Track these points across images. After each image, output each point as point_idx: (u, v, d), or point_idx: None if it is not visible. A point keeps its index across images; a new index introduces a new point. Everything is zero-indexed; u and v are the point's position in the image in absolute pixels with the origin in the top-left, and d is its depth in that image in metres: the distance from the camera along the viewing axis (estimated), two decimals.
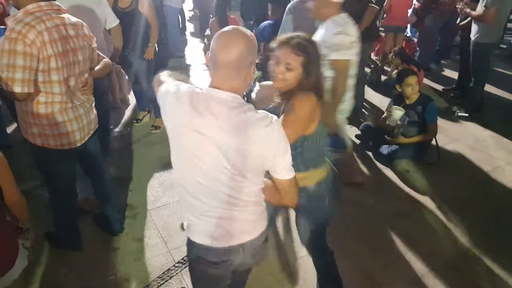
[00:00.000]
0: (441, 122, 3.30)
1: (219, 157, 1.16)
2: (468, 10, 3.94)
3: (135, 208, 2.83)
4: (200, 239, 1.31)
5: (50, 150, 1.96)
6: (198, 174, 1.21)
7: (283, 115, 1.49)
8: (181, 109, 1.18)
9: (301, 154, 1.57)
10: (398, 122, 3.26)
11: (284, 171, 1.24)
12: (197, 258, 1.34)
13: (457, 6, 4.36)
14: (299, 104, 1.45)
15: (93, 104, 2.14)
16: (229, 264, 1.33)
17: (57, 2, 1.86)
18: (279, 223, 2.70)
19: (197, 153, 1.18)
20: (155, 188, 3.06)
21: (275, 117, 1.22)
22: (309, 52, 1.47)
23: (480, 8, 3.83)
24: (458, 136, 3.87)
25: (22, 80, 1.68)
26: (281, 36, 1.54)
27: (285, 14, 3.16)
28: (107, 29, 3.07)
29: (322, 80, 1.56)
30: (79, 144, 2.04)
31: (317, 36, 2.28)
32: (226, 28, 1.23)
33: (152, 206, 2.85)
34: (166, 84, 1.30)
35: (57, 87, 1.83)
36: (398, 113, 3.24)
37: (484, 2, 3.77)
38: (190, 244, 1.36)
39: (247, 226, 1.31)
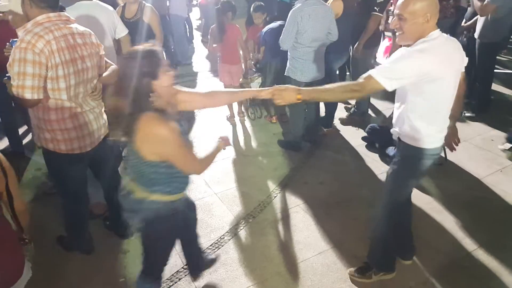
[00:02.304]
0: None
1: None
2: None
3: None
4: None
5: (61, 154, 2.03)
6: None
7: None
8: None
9: None
10: None
11: None
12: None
13: None
14: None
15: (103, 109, 2.21)
16: None
17: (66, 13, 1.96)
18: (284, 225, 2.73)
19: None
20: None
21: None
22: None
23: (478, 3, 3.86)
24: (466, 136, 3.85)
25: (32, 87, 1.77)
26: None
27: (290, 17, 3.20)
28: (117, 38, 3.17)
29: None
30: (89, 149, 2.11)
31: None
32: None
33: None
34: None
35: (64, 94, 1.91)
36: None
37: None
38: None
39: None
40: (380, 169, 3.37)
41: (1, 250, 1.37)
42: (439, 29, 1.75)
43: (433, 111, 1.83)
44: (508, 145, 3.50)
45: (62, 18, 1.90)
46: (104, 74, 2.15)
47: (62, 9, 2.03)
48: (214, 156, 1.76)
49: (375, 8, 3.81)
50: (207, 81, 5.65)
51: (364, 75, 1.73)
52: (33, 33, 1.77)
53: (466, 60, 1.89)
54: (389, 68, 1.72)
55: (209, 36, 4.15)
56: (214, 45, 4.02)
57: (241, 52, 4.14)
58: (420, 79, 1.70)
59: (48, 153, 2.06)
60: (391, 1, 4.68)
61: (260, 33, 4.04)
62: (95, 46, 2.06)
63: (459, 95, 1.95)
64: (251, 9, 4.26)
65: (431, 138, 1.88)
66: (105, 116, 2.23)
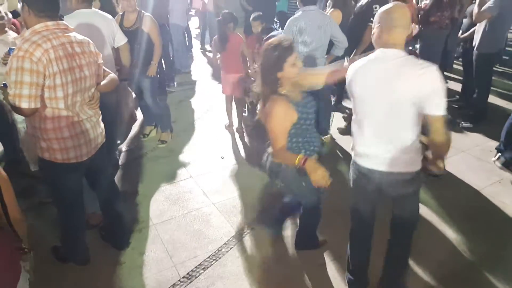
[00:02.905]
0: None
1: None
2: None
3: (141, 222, 2.84)
4: None
5: (57, 164, 2.00)
6: None
7: None
8: None
9: None
10: None
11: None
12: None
13: None
14: None
15: (100, 119, 2.19)
16: None
17: (64, 22, 1.94)
18: (283, 236, 2.70)
19: None
20: (161, 202, 3.07)
21: None
22: None
23: (476, 9, 3.90)
24: (464, 147, 3.85)
25: (29, 96, 1.75)
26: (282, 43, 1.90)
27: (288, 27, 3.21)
28: (116, 47, 3.16)
29: None
30: (85, 158, 2.08)
31: None
32: None
33: (158, 220, 2.87)
34: None
35: (62, 103, 1.88)
36: None
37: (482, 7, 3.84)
38: None
39: None
40: None
41: None
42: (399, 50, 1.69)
43: (356, 124, 1.86)
44: (498, 155, 3.51)
45: (61, 27, 1.89)
46: (102, 83, 2.13)
47: (60, 17, 2.01)
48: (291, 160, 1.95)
49: (371, 19, 3.83)
50: (206, 90, 5.65)
51: None
52: (31, 41, 1.76)
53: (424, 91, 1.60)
54: None
55: (211, 48, 4.16)
56: (218, 56, 4.03)
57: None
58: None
59: (43, 162, 2.03)
60: None
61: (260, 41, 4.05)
62: (93, 54, 2.04)
63: (434, 141, 1.70)
64: (251, 18, 4.28)
65: (356, 151, 1.90)
66: (102, 124, 2.21)
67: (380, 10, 1.74)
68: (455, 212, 2.91)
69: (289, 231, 2.73)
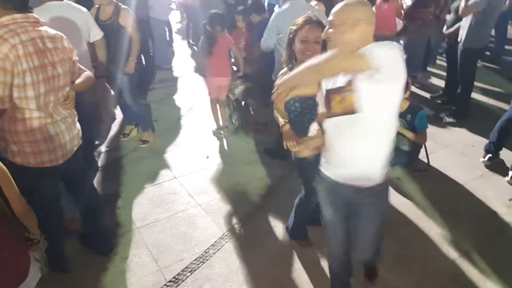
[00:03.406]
0: (430, 129, 3.29)
1: None
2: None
3: (124, 226, 2.73)
4: None
5: (30, 168, 1.86)
6: None
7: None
8: None
9: None
10: None
11: None
12: None
13: None
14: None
15: (76, 119, 2.05)
16: None
17: (34, 14, 1.79)
18: (272, 237, 2.64)
19: None
20: (144, 205, 2.96)
21: None
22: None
23: (463, 3, 3.91)
24: (448, 142, 3.88)
25: None
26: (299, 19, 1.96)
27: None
28: (91, 42, 3.01)
29: None
30: (61, 161, 1.95)
31: None
32: None
33: (141, 223, 2.76)
34: None
35: (33, 103, 1.75)
36: None
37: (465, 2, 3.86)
38: None
39: None
40: None
41: (1, 250, 1.34)
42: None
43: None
44: (487, 156, 3.51)
45: (30, 20, 1.74)
46: (77, 81, 1.99)
47: (30, 10, 1.86)
48: None
49: None
50: (189, 86, 5.52)
51: None
52: None
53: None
54: None
55: (194, 43, 4.00)
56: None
57: (232, 60, 4.02)
58: None
59: (15, 167, 1.87)
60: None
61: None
62: (67, 51, 1.90)
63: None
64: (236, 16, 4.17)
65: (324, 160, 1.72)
66: (78, 125, 2.08)
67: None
68: (440, 207, 2.92)
69: (278, 230, 2.68)
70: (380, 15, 4.95)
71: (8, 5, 1.69)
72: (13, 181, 1.42)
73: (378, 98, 1.42)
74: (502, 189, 3.16)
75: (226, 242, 2.58)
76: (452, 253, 2.50)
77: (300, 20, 1.99)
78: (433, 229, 2.71)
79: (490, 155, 3.48)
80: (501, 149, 3.48)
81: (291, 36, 2.02)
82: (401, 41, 5.65)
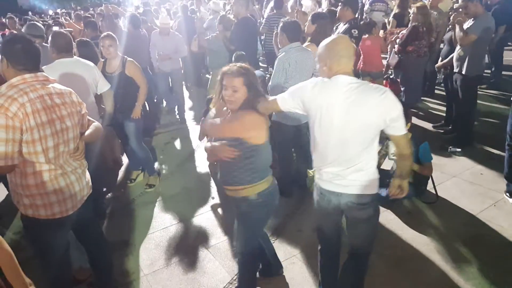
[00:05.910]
0: (435, 160, 3.28)
1: None
2: (459, 24, 4.02)
3: (132, 273, 2.69)
4: None
5: (41, 220, 1.89)
6: None
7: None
8: None
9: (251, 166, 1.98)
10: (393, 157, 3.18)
11: None
12: None
13: (451, 17, 4.56)
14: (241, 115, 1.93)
15: (86, 169, 2.10)
16: None
17: (44, 73, 1.89)
18: (280, 279, 2.57)
19: None
20: (151, 250, 2.93)
21: None
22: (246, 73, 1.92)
23: (459, 33, 4.01)
24: (455, 171, 3.85)
25: (5, 153, 1.67)
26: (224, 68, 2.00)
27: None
28: (99, 93, 3.13)
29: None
30: (71, 212, 1.98)
31: None
32: None
33: (149, 270, 2.72)
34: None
35: (42, 157, 1.80)
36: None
37: (466, 28, 3.97)
38: None
39: None
40: None
41: None
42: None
43: (315, 146, 1.93)
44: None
45: (39, 79, 1.84)
46: (87, 133, 2.06)
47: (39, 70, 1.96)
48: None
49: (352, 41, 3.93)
50: (192, 129, 5.61)
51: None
52: (6, 96, 1.70)
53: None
54: None
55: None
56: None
57: None
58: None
59: (27, 219, 1.91)
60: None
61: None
62: (75, 104, 1.99)
63: (402, 154, 1.94)
64: (233, 58, 4.32)
65: (317, 173, 1.99)
66: (88, 175, 2.12)
67: (324, 43, 1.85)
68: (454, 240, 2.85)
69: (288, 272, 2.61)
70: (366, 53, 5.13)
71: (20, 67, 1.80)
72: (20, 269, 1.35)
73: None
74: None
75: (235, 287, 2.52)
76: (467, 287, 2.41)
77: (224, 68, 2.04)
78: (449, 263, 2.63)
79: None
80: None
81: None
82: (392, 75, 5.79)
